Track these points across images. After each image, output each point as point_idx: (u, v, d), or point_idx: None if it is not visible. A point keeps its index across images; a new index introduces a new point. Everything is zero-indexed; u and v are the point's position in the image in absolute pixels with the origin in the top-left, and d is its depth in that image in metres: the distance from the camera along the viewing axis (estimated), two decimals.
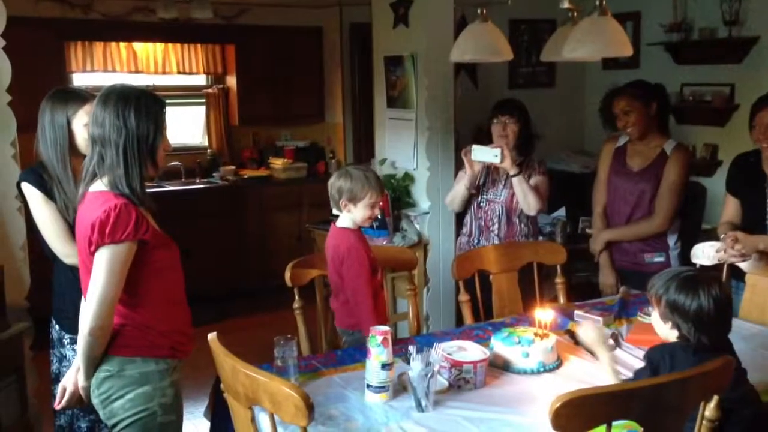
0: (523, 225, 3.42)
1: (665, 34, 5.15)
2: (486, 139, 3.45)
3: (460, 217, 3.73)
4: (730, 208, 3.16)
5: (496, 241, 3.40)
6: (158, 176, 5.74)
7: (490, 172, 3.47)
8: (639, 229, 3.37)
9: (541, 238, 3.45)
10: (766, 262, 2.91)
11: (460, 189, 3.49)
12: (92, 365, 2.06)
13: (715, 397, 1.78)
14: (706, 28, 4.93)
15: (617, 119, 3.40)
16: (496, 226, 3.43)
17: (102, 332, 1.99)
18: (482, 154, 3.29)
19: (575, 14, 2.96)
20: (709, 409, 1.78)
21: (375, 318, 2.47)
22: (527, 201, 3.31)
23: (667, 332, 1.99)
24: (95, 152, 2.03)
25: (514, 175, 3.29)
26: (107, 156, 2.01)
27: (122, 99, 2.01)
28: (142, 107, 2.02)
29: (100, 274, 1.95)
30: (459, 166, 4.39)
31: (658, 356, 1.93)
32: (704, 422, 1.78)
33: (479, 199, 3.48)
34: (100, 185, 2.03)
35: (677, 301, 1.93)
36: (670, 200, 3.29)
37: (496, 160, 3.25)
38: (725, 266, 2.99)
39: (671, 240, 3.37)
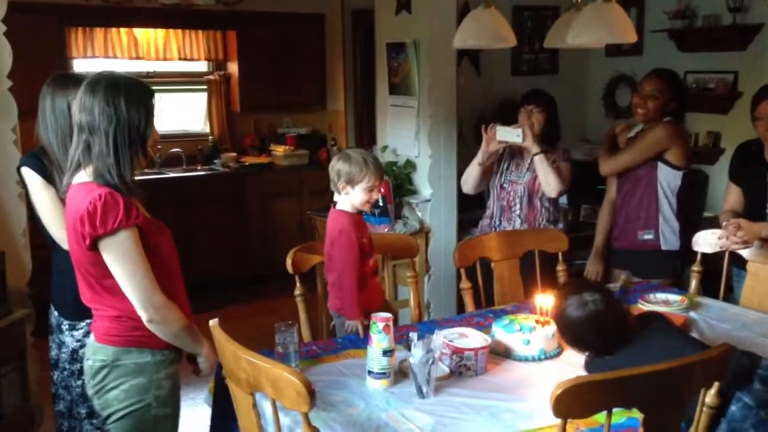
0: (544, 208, 3.45)
1: (669, 20, 5.12)
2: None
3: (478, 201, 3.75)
4: (732, 196, 3.15)
5: (518, 222, 3.46)
6: (154, 165, 5.77)
7: (515, 155, 3.51)
8: (601, 158, 3.48)
9: (560, 225, 3.48)
10: (767, 250, 2.90)
11: (472, 168, 3.53)
12: (189, 342, 2.07)
13: (716, 384, 1.78)
14: (711, 15, 4.90)
15: (636, 96, 3.39)
16: (518, 206, 3.46)
17: (161, 314, 1.97)
18: (505, 134, 3.35)
19: (579, 0, 2.94)
20: (710, 396, 1.78)
21: (357, 304, 2.49)
22: (548, 180, 3.33)
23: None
24: (81, 140, 1.97)
25: (536, 154, 3.32)
26: (95, 144, 1.95)
27: (112, 86, 1.95)
28: (133, 95, 1.96)
29: (117, 268, 1.93)
30: (461, 153, 4.41)
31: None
32: (704, 409, 1.78)
33: (502, 180, 3.52)
34: (83, 176, 1.98)
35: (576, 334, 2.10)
36: (622, 154, 3.38)
37: (519, 140, 3.31)
38: (727, 254, 2.99)
39: (661, 216, 3.34)
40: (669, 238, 3.34)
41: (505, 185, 3.52)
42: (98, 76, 2.00)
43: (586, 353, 2.15)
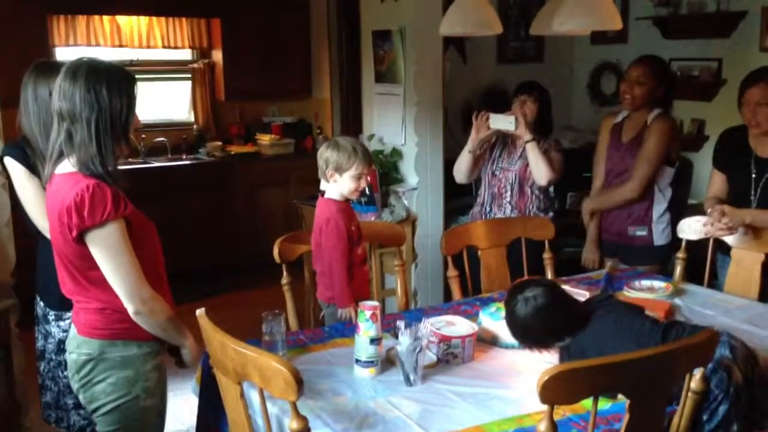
0: (534, 196, 3.48)
1: (654, 8, 5.13)
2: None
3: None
4: (717, 183, 3.17)
5: (509, 209, 3.49)
6: (139, 154, 5.72)
7: (507, 143, 3.54)
8: (614, 195, 3.41)
9: (551, 213, 3.51)
10: (751, 237, 2.93)
11: (463, 155, 3.55)
12: (174, 334, 2.06)
13: (701, 369, 1.80)
14: (695, 2, 4.91)
15: (623, 83, 3.39)
16: (509, 194, 3.49)
17: (148, 306, 1.96)
18: (498, 122, 3.39)
19: None
20: (695, 381, 1.80)
21: (348, 293, 2.49)
22: (538, 168, 3.35)
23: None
24: (62, 129, 1.92)
25: (528, 142, 3.34)
26: (77, 133, 1.91)
27: (93, 73, 1.91)
28: (114, 82, 1.92)
29: (104, 260, 1.91)
30: (448, 141, 4.41)
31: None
32: (689, 394, 1.80)
33: (494, 167, 3.54)
34: (67, 166, 1.94)
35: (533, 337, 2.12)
36: (642, 167, 3.30)
37: (511, 127, 3.35)
38: (711, 240, 3.02)
39: (655, 213, 3.38)
40: (661, 234, 3.37)
41: (496, 173, 3.54)
42: (78, 62, 1.95)
43: (552, 352, 2.15)
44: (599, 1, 2.66)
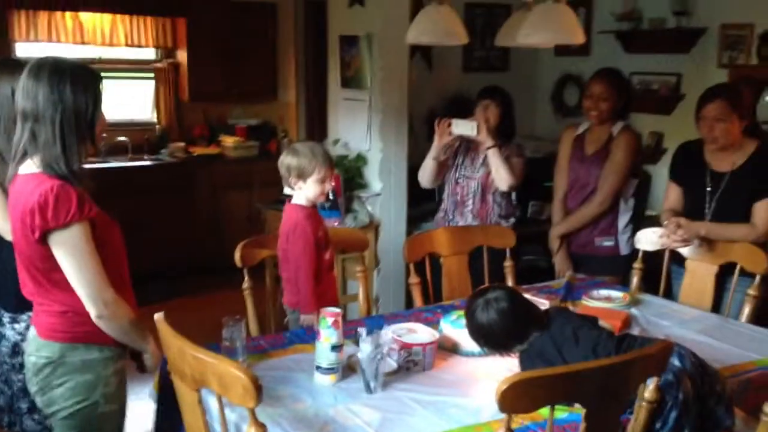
0: (496, 204, 3.52)
1: (616, 22, 5.23)
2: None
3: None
4: (673, 195, 3.23)
5: (470, 217, 3.53)
6: (99, 154, 5.63)
7: (470, 150, 3.57)
8: (582, 213, 3.45)
9: (512, 220, 3.56)
10: (706, 249, 3.00)
11: (428, 161, 3.57)
12: (136, 338, 2.03)
13: (654, 379, 1.83)
14: (656, 18, 5.02)
15: (587, 99, 3.44)
16: (471, 201, 3.53)
17: (111, 309, 1.92)
18: (460, 127, 3.42)
19: (530, 0, 2.98)
20: (649, 391, 1.83)
21: (314, 299, 2.48)
22: (499, 174, 3.40)
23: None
24: (26, 129, 1.89)
25: (489, 148, 3.38)
26: (41, 133, 1.87)
27: (57, 71, 1.87)
28: (79, 80, 1.89)
29: (68, 263, 1.87)
30: (412, 147, 4.43)
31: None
32: (643, 403, 1.83)
33: (457, 175, 3.58)
34: (31, 166, 1.90)
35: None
36: (609, 180, 3.36)
37: (473, 132, 3.38)
38: (667, 252, 3.08)
39: (621, 223, 3.44)
40: (626, 244, 3.43)
41: (459, 180, 3.57)
42: (41, 60, 1.92)
43: (513, 356, 2.17)
44: (563, 16, 2.70)
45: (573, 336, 2.04)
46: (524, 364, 2.08)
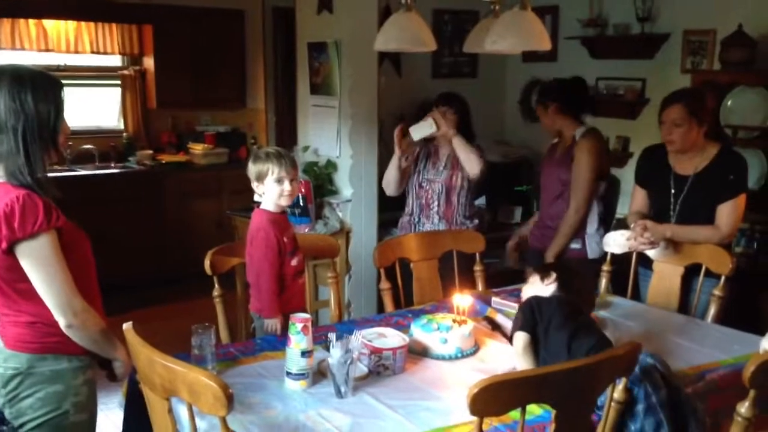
0: (461, 205, 3.59)
1: (582, 28, 5.30)
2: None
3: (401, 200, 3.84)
4: (639, 199, 3.28)
5: (436, 219, 3.58)
6: (64, 162, 5.55)
7: (431, 155, 3.61)
8: (564, 230, 3.45)
9: (476, 221, 3.61)
10: (672, 250, 3.05)
11: (391, 171, 3.62)
12: (106, 347, 2.00)
13: (623, 379, 1.86)
14: (621, 23, 5.10)
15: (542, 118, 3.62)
16: (436, 203, 3.58)
17: (80, 319, 1.90)
18: (420, 131, 3.44)
19: (497, 7, 3.01)
20: (618, 391, 1.86)
21: (276, 304, 2.47)
22: (469, 159, 3.45)
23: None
24: None
25: (454, 135, 3.44)
26: (3, 142, 1.85)
27: (16, 80, 1.85)
28: (40, 88, 1.86)
29: (35, 273, 1.85)
30: (382, 153, 4.44)
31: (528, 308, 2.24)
32: (612, 404, 1.85)
33: (420, 179, 3.62)
34: None
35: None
36: (579, 186, 3.41)
37: (433, 129, 3.43)
38: (634, 254, 3.12)
39: (590, 227, 3.48)
40: (594, 247, 3.46)
41: (423, 184, 3.61)
42: (0, 69, 1.88)
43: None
44: (530, 23, 2.73)
45: (565, 321, 2.14)
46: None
